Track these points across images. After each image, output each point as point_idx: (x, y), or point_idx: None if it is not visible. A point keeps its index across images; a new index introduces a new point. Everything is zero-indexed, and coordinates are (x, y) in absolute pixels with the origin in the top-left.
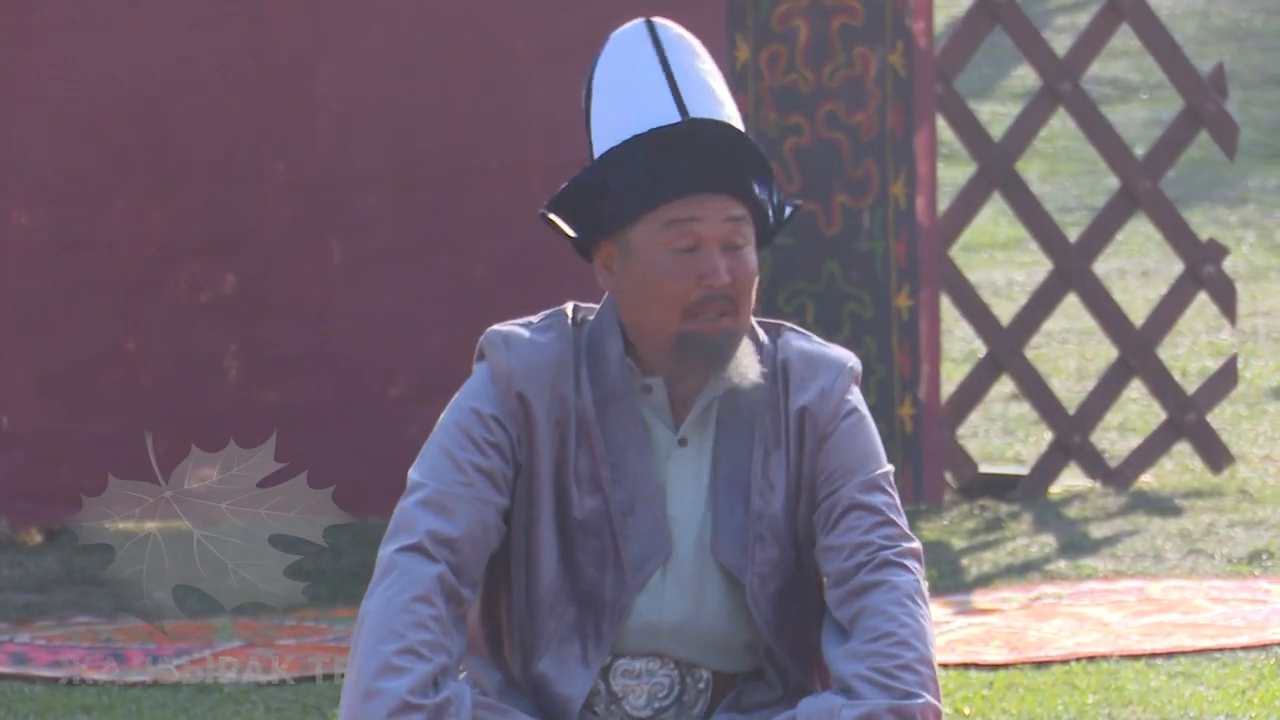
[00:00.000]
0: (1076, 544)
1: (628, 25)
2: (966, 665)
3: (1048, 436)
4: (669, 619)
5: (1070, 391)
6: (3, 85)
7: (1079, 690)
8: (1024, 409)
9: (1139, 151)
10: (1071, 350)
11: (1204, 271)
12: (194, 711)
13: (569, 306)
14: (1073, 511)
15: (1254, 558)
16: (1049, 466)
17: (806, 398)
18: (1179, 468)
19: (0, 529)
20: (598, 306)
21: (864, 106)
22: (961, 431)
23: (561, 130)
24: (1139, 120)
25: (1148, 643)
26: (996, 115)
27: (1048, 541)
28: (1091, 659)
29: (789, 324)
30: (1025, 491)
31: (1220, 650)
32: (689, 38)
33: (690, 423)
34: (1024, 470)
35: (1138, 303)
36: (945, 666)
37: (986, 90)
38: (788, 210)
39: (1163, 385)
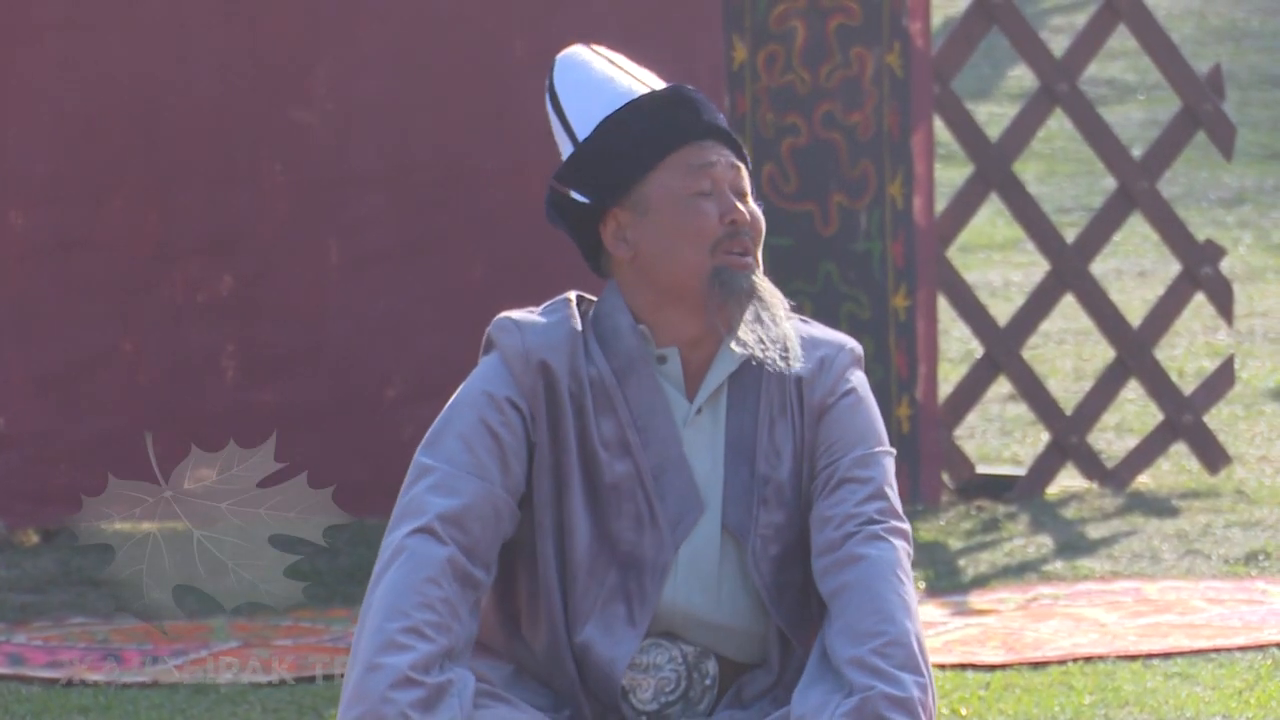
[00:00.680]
0: (1073, 545)
1: (567, 49)
2: (963, 666)
3: (1045, 437)
4: (684, 598)
5: (1067, 392)
6: None
7: (1076, 691)
8: (1021, 409)
9: (1136, 152)
10: (1068, 351)
11: (1201, 272)
12: (191, 712)
13: (572, 294)
14: (1070, 512)
15: (1251, 558)
16: (1046, 467)
17: (805, 369)
18: (1176, 468)
19: None
20: (598, 297)
21: (861, 107)
22: (959, 432)
23: None
24: (1136, 121)
25: (1144, 643)
26: (994, 116)
27: (1044, 542)
28: (1088, 660)
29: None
30: (1022, 492)
31: (1217, 651)
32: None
33: (707, 393)
34: (1021, 471)
35: (1135, 303)
36: (942, 667)
37: (984, 91)
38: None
39: (1160, 386)
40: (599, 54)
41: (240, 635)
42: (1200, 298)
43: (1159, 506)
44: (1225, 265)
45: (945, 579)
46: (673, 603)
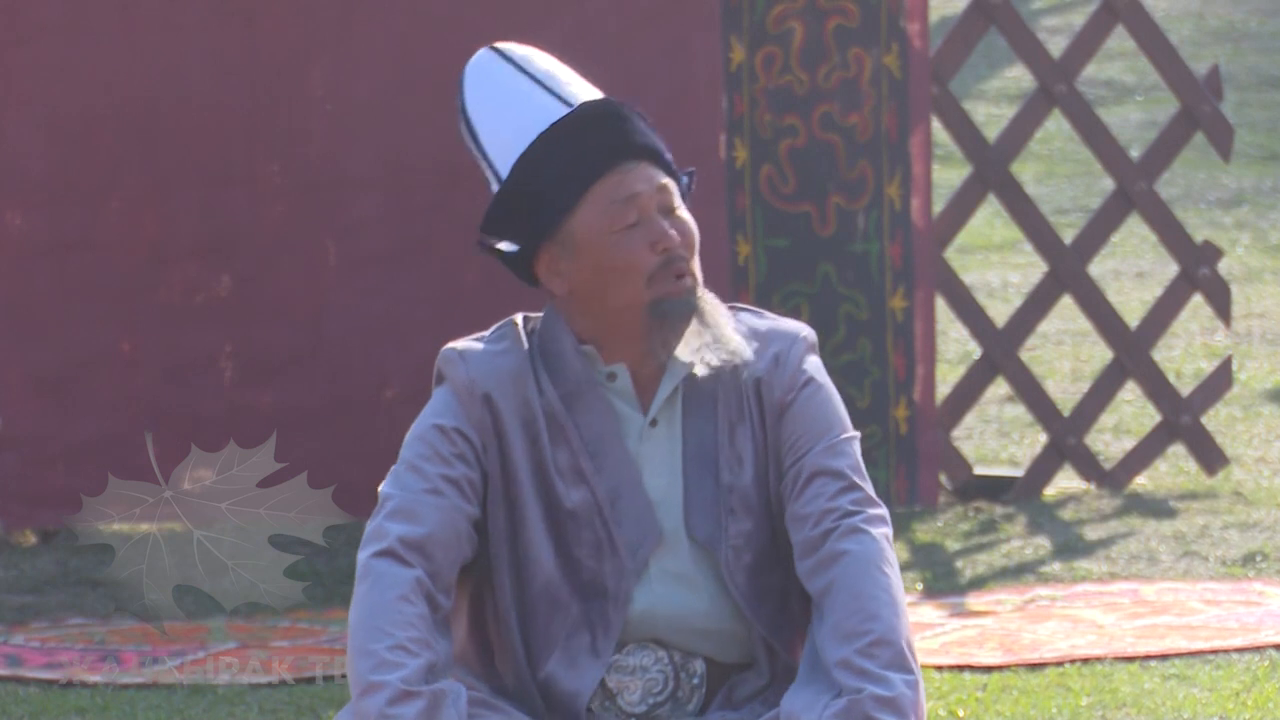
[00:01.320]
0: (1071, 546)
1: (474, 57)
2: (960, 667)
3: (1042, 438)
4: (661, 606)
5: (1065, 393)
6: None
7: (1073, 692)
8: (1019, 411)
9: (1134, 153)
10: (1066, 352)
11: (1199, 273)
12: (188, 713)
13: (518, 317)
14: (1067, 513)
15: (1248, 560)
16: (1043, 468)
17: (761, 368)
18: (1173, 470)
19: None
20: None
21: (859, 108)
22: (956, 433)
23: None
24: (1134, 122)
25: (1142, 645)
26: (991, 117)
27: (1042, 543)
28: (1085, 661)
29: (742, 305)
30: (1020, 493)
31: (1214, 652)
32: (533, 50)
33: (659, 403)
34: (1018, 472)
35: (1133, 305)
36: (939, 668)
37: (981, 92)
38: (683, 180)
39: (1157, 387)
40: (508, 60)
41: (238, 636)
42: (1198, 299)
43: (1156, 508)
44: (1223, 266)
45: (943, 580)
46: (652, 612)
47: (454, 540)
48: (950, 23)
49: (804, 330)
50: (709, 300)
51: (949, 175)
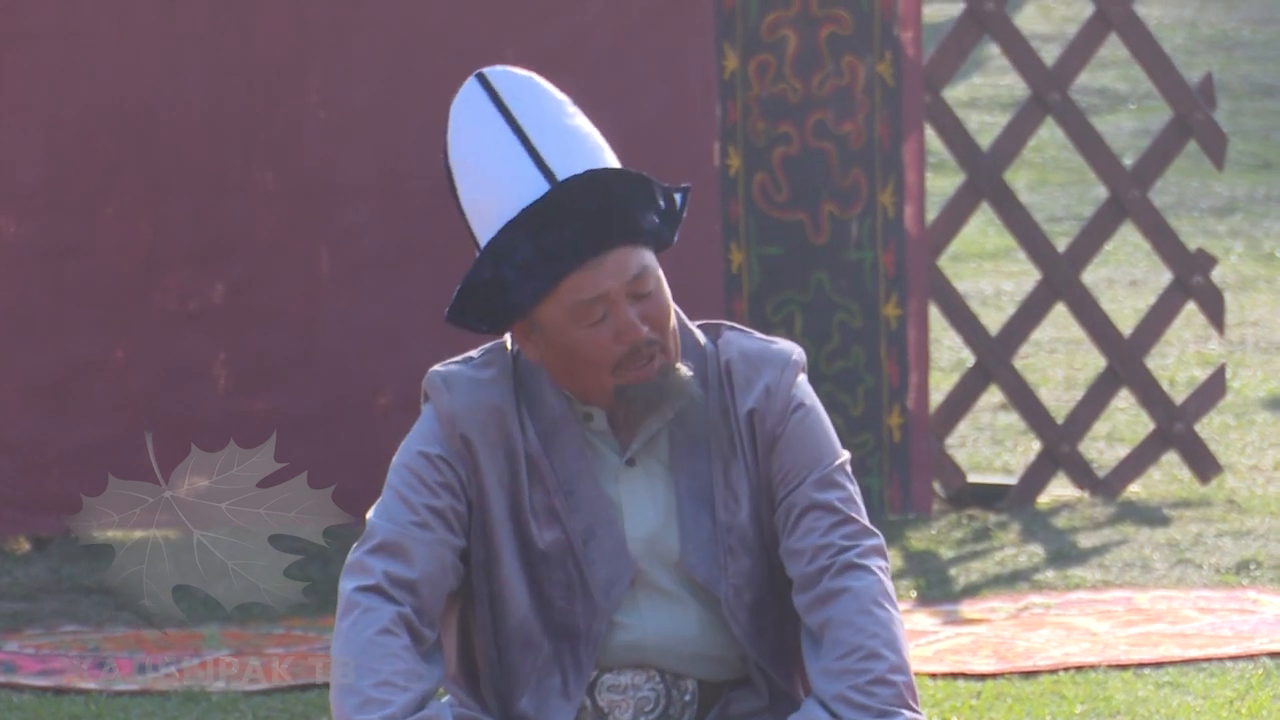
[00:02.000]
0: (1064, 554)
1: (463, 89)
2: (954, 675)
3: (1036, 446)
4: (650, 635)
5: (1058, 401)
6: None
7: (1067, 700)
8: (1012, 419)
9: (1127, 161)
10: (1060, 360)
11: (1192, 281)
12: None
13: (508, 339)
14: (1061, 521)
15: (1242, 568)
16: (1037, 476)
17: (753, 399)
18: (1167, 478)
19: None
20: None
21: (852, 116)
22: (950, 441)
23: None
24: (1127, 130)
25: (1135, 653)
26: (985, 125)
27: (1036, 551)
28: (1079, 669)
29: (728, 323)
30: (1013, 501)
31: (1208, 660)
32: (525, 78)
33: (637, 446)
34: (1012, 480)
35: (1126, 312)
36: (933, 676)
37: (975, 100)
38: (678, 199)
39: (1151, 395)
40: (494, 102)
41: (232, 644)
42: (1191, 307)
43: (1150, 516)
44: (1216, 274)
45: (936, 588)
46: (642, 642)
47: (440, 576)
48: (943, 30)
49: (794, 353)
50: (676, 376)
51: (942, 183)
